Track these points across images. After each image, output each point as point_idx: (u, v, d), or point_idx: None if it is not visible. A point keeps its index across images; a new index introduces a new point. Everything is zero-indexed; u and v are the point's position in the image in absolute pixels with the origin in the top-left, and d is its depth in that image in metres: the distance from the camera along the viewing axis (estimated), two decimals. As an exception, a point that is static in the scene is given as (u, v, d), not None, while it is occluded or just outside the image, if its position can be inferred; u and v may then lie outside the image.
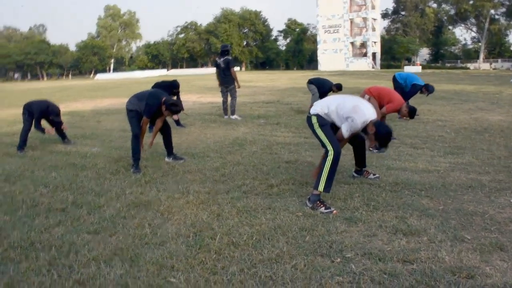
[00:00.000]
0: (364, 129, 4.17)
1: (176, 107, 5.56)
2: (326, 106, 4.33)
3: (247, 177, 5.20)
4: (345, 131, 4.15)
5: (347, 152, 5.33)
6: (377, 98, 6.78)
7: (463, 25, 68.07)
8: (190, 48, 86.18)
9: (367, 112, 4.15)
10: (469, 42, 75.88)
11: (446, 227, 3.51)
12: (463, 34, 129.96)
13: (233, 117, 10.40)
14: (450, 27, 73.24)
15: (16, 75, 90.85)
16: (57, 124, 7.77)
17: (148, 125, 5.91)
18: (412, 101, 9.26)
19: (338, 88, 10.18)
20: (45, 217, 4.08)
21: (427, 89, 8.87)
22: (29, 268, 3.05)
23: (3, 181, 5.44)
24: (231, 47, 11.53)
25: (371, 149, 6.24)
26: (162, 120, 5.88)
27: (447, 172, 5.15)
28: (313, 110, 4.39)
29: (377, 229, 3.52)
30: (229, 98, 10.49)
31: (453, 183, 4.69)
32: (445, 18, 69.67)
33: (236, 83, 10.32)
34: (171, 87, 9.05)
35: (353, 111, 4.13)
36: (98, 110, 14.38)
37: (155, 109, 5.58)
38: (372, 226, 3.59)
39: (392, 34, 73.64)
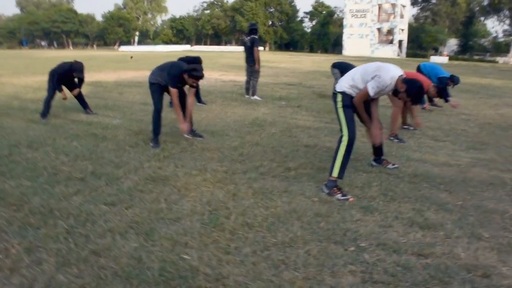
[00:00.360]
0: (395, 91, 4.03)
1: (198, 72, 5.52)
2: (350, 78, 4.20)
3: (265, 158, 5.19)
4: (370, 87, 3.98)
5: (367, 140, 5.27)
6: None
7: (496, 16, 66.01)
8: (215, 24, 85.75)
9: (392, 68, 4.04)
10: (500, 35, 73.68)
11: (463, 223, 3.45)
12: (495, 26, 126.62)
13: (253, 97, 10.37)
14: (482, 18, 71.18)
15: (43, 43, 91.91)
16: (80, 82, 7.81)
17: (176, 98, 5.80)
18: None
19: None
20: (64, 185, 4.15)
21: (453, 80, 8.70)
22: (47, 234, 3.11)
23: (26, 147, 5.54)
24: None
25: (391, 138, 6.17)
26: (192, 96, 5.90)
27: (468, 167, 5.05)
28: (339, 87, 4.26)
29: (393, 220, 3.49)
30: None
31: (474, 179, 4.60)
32: (477, 8, 67.61)
33: (256, 64, 10.25)
34: (194, 63, 9.04)
35: (377, 69, 4.03)
36: (121, 81, 14.47)
37: (178, 78, 5.56)
38: (388, 216, 3.56)
39: (420, 22, 71.91)
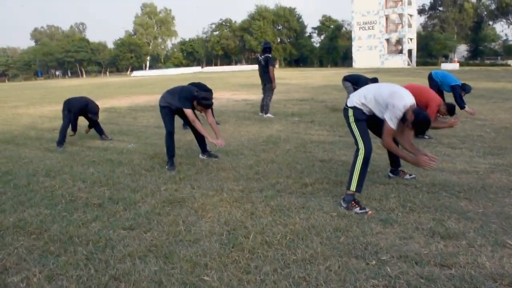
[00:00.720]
0: (403, 117, 4.00)
1: (207, 101, 5.56)
2: (362, 95, 4.17)
3: (281, 175, 5.18)
4: (389, 120, 3.93)
5: (383, 151, 5.23)
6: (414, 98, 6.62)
7: (504, 20, 65.70)
8: (224, 45, 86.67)
9: (405, 96, 3.98)
10: (510, 37, 73.18)
11: (486, 231, 3.38)
12: (504, 29, 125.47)
13: (266, 115, 10.40)
14: (490, 23, 70.81)
15: (57, 73, 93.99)
16: (94, 122, 8.01)
17: (193, 115, 5.73)
18: (450, 100, 9.00)
19: (374, 82, 10.02)
20: (83, 211, 4.19)
21: (464, 89, 8.63)
22: (67, 262, 3.13)
23: (44, 176, 5.62)
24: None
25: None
26: (210, 115, 5.90)
27: (487, 174, 4.97)
28: (350, 102, 4.24)
29: (413, 231, 3.44)
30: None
31: (494, 185, 4.52)
32: (485, 13, 67.41)
33: (272, 82, 10.33)
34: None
35: (391, 96, 3.97)
36: (134, 106, 14.65)
37: (190, 101, 5.61)
38: (408, 228, 3.51)
39: (428, 30, 71.79)
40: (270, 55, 10.38)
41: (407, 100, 3.95)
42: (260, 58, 10.51)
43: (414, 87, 6.88)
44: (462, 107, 8.38)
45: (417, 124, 3.87)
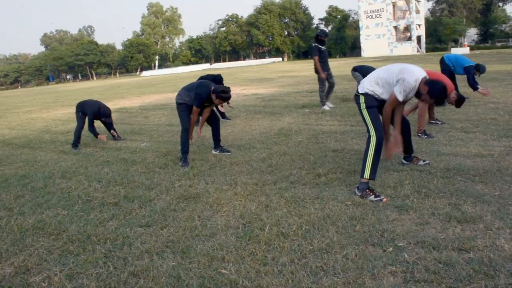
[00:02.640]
0: (417, 93, 3.98)
1: (226, 94, 5.62)
2: (373, 80, 4.15)
3: (294, 167, 5.18)
4: (398, 92, 3.91)
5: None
6: None
7: (515, 1, 64.65)
8: (232, 40, 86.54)
9: (416, 71, 3.97)
10: (521, 18, 71.86)
11: (503, 214, 3.35)
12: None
13: (323, 107, 9.97)
14: (500, 4, 69.72)
15: (68, 76, 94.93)
16: (109, 125, 8.08)
17: (196, 116, 5.95)
18: (462, 83, 8.91)
19: None
20: (99, 211, 4.24)
21: (478, 69, 8.49)
22: (86, 260, 3.17)
23: (60, 178, 5.69)
24: (322, 35, 10.67)
25: (419, 134, 6.07)
26: (209, 111, 5.96)
27: (502, 156, 4.91)
28: (361, 89, 4.22)
29: (429, 217, 3.42)
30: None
31: (509, 168, 4.46)
32: (494, -6, 66.44)
33: (320, 73, 9.83)
34: (214, 81, 9.16)
35: (401, 72, 3.96)
36: (145, 106, 14.73)
37: (205, 98, 5.66)
38: (424, 213, 3.49)
39: (437, 15, 70.94)
40: (313, 44, 10.01)
41: (418, 74, 3.95)
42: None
43: (427, 71, 6.81)
44: (475, 88, 8.27)
45: (434, 94, 3.86)
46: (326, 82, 9.98)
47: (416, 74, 3.94)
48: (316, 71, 9.89)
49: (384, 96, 4.08)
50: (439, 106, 5.50)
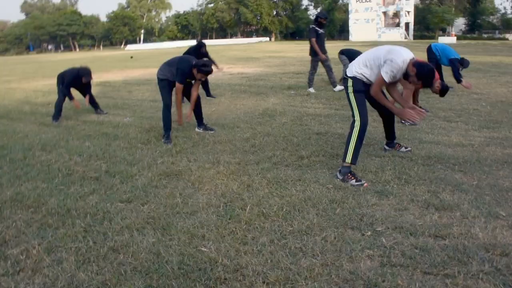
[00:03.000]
0: (405, 75, 4.01)
1: (207, 68, 5.56)
2: (361, 63, 4.15)
3: (277, 148, 5.19)
4: (384, 73, 3.92)
5: (379, 125, 5.24)
6: None
7: (503, -8, 64.93)
8: (219, 18, 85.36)
9: (403, 52, 4.00)
10: (509, 11, 72.31)
11: (480, 203, 3.42)
12: (503, 2, 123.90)
13: (309, 89, 9.94)
14: (490, -5, 70.04)
15: (49, 47, 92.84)
16: (88, 88, 7.87)
17: (180, 93, 5.87)
18: (447, 73, 8.98)
19: None
20: (80, 185, 4.20)
21: (462, 63, 8.58)
22: (66, 234, 3.16)
23: (40, 150, 5.61)
24: (322, 17, 10.35)
25: (403, 121, 6.12)
26: (196, 89, 5.90)
27: (482, 147, 5.00)
28: (349, 72, 4.22)
29: (408, 203, 3.48)
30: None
31: (488, 158, 4.55)
32: (485, -15, 66.63)
33: (319, 54, 9.58)
34: (198, 47, 9.19)
35: (389, 53, 3.99)
36: (129, 80, 14.54)
37: (187, 73, 5.59)
38: (403, 200, 3.55)
39: (426, 3, 70.85)
40: (311, 26, 9.79)
41: (405, 55, 3.98)
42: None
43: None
44: (459, 80, 8.36)
45: (421, 75, 3.89)
46: (317, 66, 9.91)
47: (404, 55, 3.97)
48: (312, 53, 9.74)
49: (372, 78, 4.09)
50: (426, 88, 5.55)
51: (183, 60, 5.75)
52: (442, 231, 2.96)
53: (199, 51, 9.15)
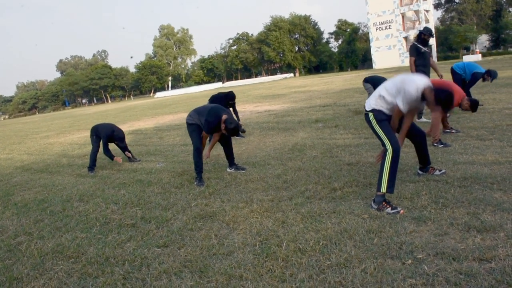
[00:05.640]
0: (424, 99, 3.98)
1: (234, 130, 5.59)
2: (377, 95, 4.21)
3: (309, 182, 5.17)
4: (400, 103, 3.97)
5: (410, 150, 5.17)
6: None
7: (525, 5, 64.20)
8: (243, 58, 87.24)
9: (417, 79, 4.00)
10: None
11: (524, 222, 3.30)
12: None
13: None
14: (511, 9, 69.23)
15: (84, 100, 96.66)
16: (122, 148, 8.17)
17: (208, 138, 6.03)
18: (475, 91, 8.83)
19: None
20: (117, 233, 4.27)
21: (490, 74, 8.44)
22: (105, 282, 3.20)
23: (78, 201, 5.76)
24: (427, 33, 9.09)
25: (435, 144, 6.02)
26: (219, 135, 5.98)
27: (521, 163, 4.84)
28: (367, 106, 4.28)
29: (448, 227, 3.38)
30: None
31: (529, 174, 4.40)
32: (504, 0, 65.97)
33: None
34: (227, 98, 9.25)
35: (402, 82, 4.02)
36: (159, 127, 14.87)
37: (214, 126, 5.68)
38: (442, 224, 3.45)
39: (447, 24, 70.70)
40: (413, 43, 8.54)
41: (419, 82, 3.99)
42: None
43: (436, 81, 6.79)
44: (467, 93, 8.28)
45: (440, 101, 3.86)
46: None
47: (417, 82, 3.97)
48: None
49: (390, 109, 4.12)
50: (447, 112, 5.49)
51: (212, 112, 5.77)
52: (486, 254, 2.85)
53: (228, 101, 9.18)
